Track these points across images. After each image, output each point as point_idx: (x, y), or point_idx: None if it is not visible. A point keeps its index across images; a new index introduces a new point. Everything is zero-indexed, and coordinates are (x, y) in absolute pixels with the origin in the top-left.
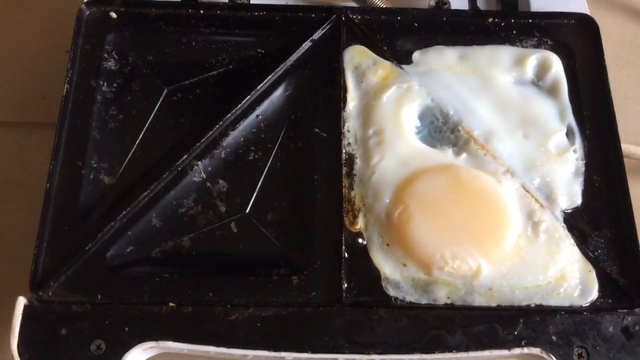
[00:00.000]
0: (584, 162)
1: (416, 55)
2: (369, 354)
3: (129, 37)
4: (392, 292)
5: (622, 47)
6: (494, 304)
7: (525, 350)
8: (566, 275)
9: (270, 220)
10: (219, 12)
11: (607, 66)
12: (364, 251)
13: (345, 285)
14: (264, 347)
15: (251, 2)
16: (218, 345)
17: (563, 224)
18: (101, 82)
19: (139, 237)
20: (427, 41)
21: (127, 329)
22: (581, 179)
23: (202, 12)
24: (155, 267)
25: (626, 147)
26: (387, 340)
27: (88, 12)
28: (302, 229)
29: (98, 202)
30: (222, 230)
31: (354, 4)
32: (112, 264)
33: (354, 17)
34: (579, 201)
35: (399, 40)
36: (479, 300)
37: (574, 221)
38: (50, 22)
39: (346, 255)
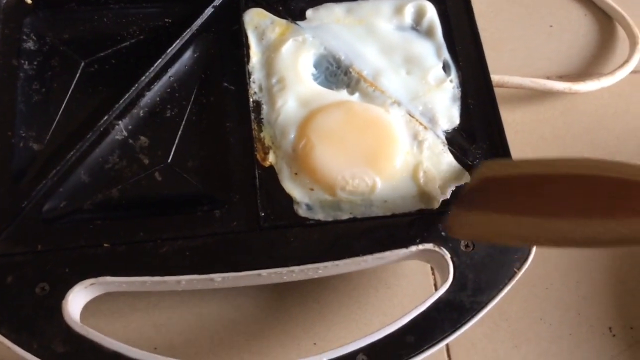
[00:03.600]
0: (460, 89)
1: (309, 12)
2: (287, 266)
3: (44, 19)
4: (302, 213)
5: None
6: (389, 213)
7: (420, 247)
8: (446, 183)
9: (190, 166)
10: None
11: (483, 13)
12: (276, 182)
13: (263, 213)
14: (194, 272)
15: None
16: (152, 274)
17: (444, 141)
18: (22, 61)
19: (71, 193)
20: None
21: (67, 270)
22: (458, 103)
23: None
24: (88, 217)
25: (500, 78)
26: (302, 253)
27: (5, 0)
28: (220, 170)
29: (29, 166)
30: (147, 179)
31: None
32: (48, 218)
33: None
34: (457, 121)
35: (292, 0)
36: (376, 212)
37: (454, 138)
38: None
39: (261, 187)
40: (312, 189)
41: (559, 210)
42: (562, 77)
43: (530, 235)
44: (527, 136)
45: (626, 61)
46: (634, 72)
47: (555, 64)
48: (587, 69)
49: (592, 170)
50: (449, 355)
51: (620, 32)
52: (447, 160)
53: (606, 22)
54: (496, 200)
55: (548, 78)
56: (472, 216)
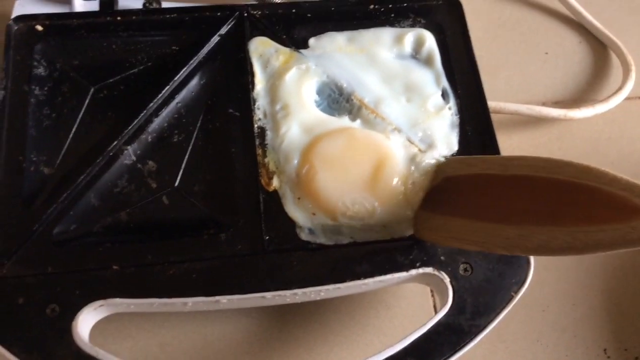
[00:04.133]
0: (458, 116)
1: (312, 41)
2: (291, 289)
3: (55, 46)
4: (305, 237)
5: (491, 23)
6: (389, 237)
7: (420, 270)
8: None
9: (197, 190)
10: (134, 17)
11: (480, 40)
12: (279, 206)
13: (267, 237)
14: (201, 294)
15: (163, 6)
16: (160, 296)
17: None
18: (33, 87)
19: (81, 216)
20: (320, 28)
21: (77, 292)
22: (456, 130)
23: (119, 18)
24: (97, 240)
25: (497, 104)
26: (305, 276)
27: (16, 27)
28: (226, 194)
29: (40, 190)
30: (155, 203)
31: (254, 1)
32: (59, 240)
33: (255, 12)
34: (455, 148)
35: (295, 29)
36: (376, 237)
37: None
38: None
39: (265, 211)
40: (314, 214)
41: (507, 215)
42: (557, 103)
43: (483, 242)
44: None
45: (620, 88)
46: (627, 98)
47: (550, 90)
48: (582, 95)
49: (539, 171)
50: None
51: (614, 60)
52: None
53: (600, 50)
54: (452, 203)
55: (543, 104)
56: (433, 219)
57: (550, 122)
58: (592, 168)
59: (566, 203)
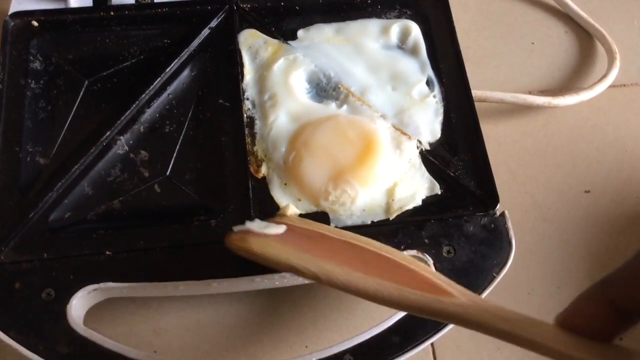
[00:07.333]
0: (442, 104)
1: (300, 32)
2: (279, 272)
3: (50, 41)
4: None
5: (480, 15)
6: (369, 222)
7: (405, 253)
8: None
9: (188, 178)
10: (127, 12)
11: (467, 31)
12: (268, 193)
13: None
14: (192, 278)
15: (155, 1)
16: (152, 281)
17: (424, 151)
18: (29, 81)
19: (75, 204)
20: (308, 20)
21: (71, 276)
22: (440, 117)
23: (112, 13)
24: (91, 227)
25: (482, 93)
26: None
27: (13, 23)
28: (216, 182)
29: (36, 179)
30: (147, 191)
31: None
32: (54, 228)
33: (244, 5)
34: (439, 134)
35: (284, 21)
36: (355, 221)
37: (436, 150)
38: None
39: (254, 198)
40: (299, 200)
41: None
42: (543, 92)
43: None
44: (510, 148)
45: (604, 76)
46: (612, 86)
47: (537, 79)
48: (568, 84)
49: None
50: (434, 358)
51: (600, 49)
52: (422, 172)
53: (586, 39)
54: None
55: (530, 93)
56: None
57: (535, 110)
58: (416, 263)
59: (389, 269)
